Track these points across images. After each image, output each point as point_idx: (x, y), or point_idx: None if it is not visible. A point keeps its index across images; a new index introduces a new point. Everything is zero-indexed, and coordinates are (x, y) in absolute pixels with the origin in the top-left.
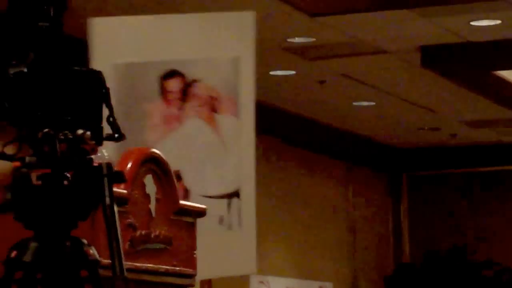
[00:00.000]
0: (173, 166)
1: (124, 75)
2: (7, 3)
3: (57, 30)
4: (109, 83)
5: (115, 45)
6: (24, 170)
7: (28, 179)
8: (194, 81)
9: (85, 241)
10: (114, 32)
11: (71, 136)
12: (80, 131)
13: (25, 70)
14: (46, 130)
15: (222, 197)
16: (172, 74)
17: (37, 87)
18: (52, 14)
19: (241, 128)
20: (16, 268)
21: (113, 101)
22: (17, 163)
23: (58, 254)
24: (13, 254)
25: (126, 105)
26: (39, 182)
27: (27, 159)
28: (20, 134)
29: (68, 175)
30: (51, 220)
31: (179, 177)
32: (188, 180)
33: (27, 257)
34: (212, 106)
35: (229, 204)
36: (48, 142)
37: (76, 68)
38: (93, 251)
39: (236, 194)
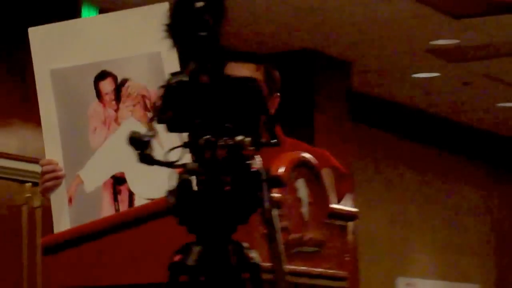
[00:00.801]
0: (116, 169)
1: (62, 80)
2: (169, 14)
3: (215, 39)
4: (48, 90)
5: (51, 51)
6: (186, 176)
7: (190, 185)
8: (125, 80)
9: (246, 244)
10: (49, 39)
11: (231, 143)
12: (239, 138)
13: (186, 79)
14: (207, 137)
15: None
16: (104, 75)
17: (197, 95)
18: (210, 24)
19: None
20: (180, 272)
21: (54, 108)
22: (180, 169)
23: (221, 258)
24: (177, 258)
25: (68, 111)
26: (201, 188)
27: (189, 165)
28: (184, 140)
29: (228, 180)
30: (212, 224)
31: (123, 181)
32: (132, 183)
33: (191, 261)
34: (145, 104)
35: None
36: (209, 148)
37: (233, 76)
38: (254, 254)
39: None
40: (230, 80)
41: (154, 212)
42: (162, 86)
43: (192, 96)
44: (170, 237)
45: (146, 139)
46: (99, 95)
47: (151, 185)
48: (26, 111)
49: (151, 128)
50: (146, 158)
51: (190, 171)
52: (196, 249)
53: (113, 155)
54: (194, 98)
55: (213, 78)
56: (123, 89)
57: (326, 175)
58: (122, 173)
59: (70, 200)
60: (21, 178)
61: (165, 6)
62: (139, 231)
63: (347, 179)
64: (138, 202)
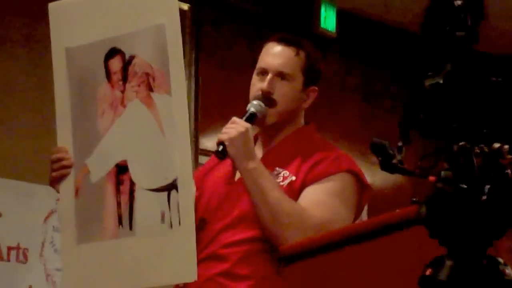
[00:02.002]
0: (120, 157)
1: (75, 59)
2: (424, 14)
3: (473, 40)
4: (63, 70)
5: (68, 29)
6: (439, 184)
7: (443, 195)
8: (132, 57)
9: (501, 260)
10: (67, 16)
11: (487, 150)
12: (496, 145)
13: (441, 81)
14: (462, 143)
15: (162, 189)
16: (113, 53)
17: (453, 99)
18: (468, 23)
19: (173, 107)
20: (431, 286)
21: (68, 90)
22: (433, 177)
23: (475, 273)
24: (428, 272)
25: (79, 91)
26: (455, 198)
27: (443, 173)
28: (436, 147)
29: (484, 190)
30: (467, 237)
31: (125, 169)
32: (133, 171)
33: (443, 275)
34: (148, 84)
35: (168, 198)
36: (464, 155)
37: (493, 79)
38: (509, 270)
39: (174, 185)
40: (488, 83)
41: (399, 222)
42: (415, 88)
43: (448, 99)
44: (417, 249)
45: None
46: (108, 75)
47: (150, 174)
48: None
49: (402, 136)
50: (390, 166)
51: (444, 179)
52: (449, 263)
53: (118, 141)
54: (449, 102)
55: (470, 81)
56: (130, 68)
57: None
58: (125, 161)
59: (76, 192)
60: None
61: None
62: (382, 242)
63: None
64: (139, 193)
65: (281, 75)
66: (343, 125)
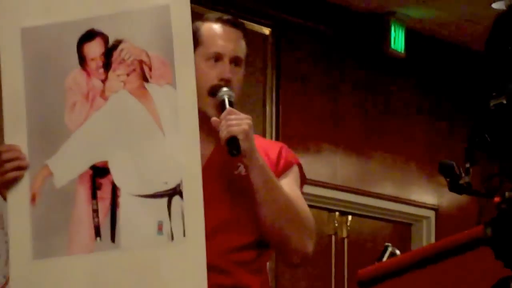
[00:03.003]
0: (98, 157)
1: (35, 42)
2: (488, 33)
3: None
4: (15, 53)
5: (25, 4)
6: (504, 205)
7: (508, 216)
8: (118, 42)
9: None
10: None
11: None
12: None
13: (505, 101)
14: None
15: (160, 195)
16: (91, 35)
17: None
18: None
19: (179, 99)
20: None
21: (22, 76)
22: (498, 198)
23: None
24: None
25: (38, 79)
26: None
27: (507, 194)
28: (502, 168)
29: None
30: None
31: (105, 172)
32: (117, 175)
33: None
34: (142, 73)
35: (169, 206)
36: None
37: None
38: None
39: (177, 191)
40: None
41: (466, 243)
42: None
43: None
44: (482, 270)
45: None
46: (82, 61)
47: (143, 178)
48: (337, 136)
49: (468, 158)
50: (458, 187)
51: (509, 200)
52: None
53: (95, 138)
54: None
55: None
56: (115, 53)
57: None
58: (105, 162)
59: (33, 198)
60: (330, 207)
61: None
62: (450, 264)
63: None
64: (124, 199)
65: (235, 60)
66: (411, 146)
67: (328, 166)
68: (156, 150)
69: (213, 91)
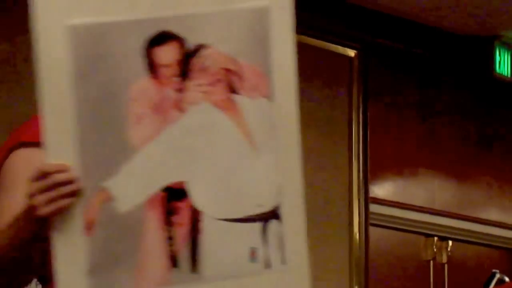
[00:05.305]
0: (173, 177)
1: (86, 42)
2: None
3: None
4: (61, 55)
5: None
6: None
7: None
8: (199, 47)
9: None
10: None
11: None
12: None
13: None
14: None
15: (252, 220)
16: (164, 38)
17: None
18: None
19: (277, 115)
20: None
21: (68, 81)
22: None
23: None
24: None
25: (92, 88)
26: None
27: None
28: None
29: None
30: None
31: (182, 194)
32: (199, 197)
33: None
34: (229, 84)
35: (264, 230)
36: None
37: None
38: None
39: (274, 214)
40: None
41: None
42: None
43: None
44: None
45: None
46: (151, 67)
47: (231, 200)
48: (433, 159)
49: None
50: None
51: None
52: None
53: (168, 156)
54: None
55: None
56: (195, 60)
57: None
58: (182, 183)
59: (88, 227)
60: (428, 232)
61: None
62: None
63: None
64: (208, 224)
65: None
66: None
67: (425, 190)
68: (248, 169)
69: None
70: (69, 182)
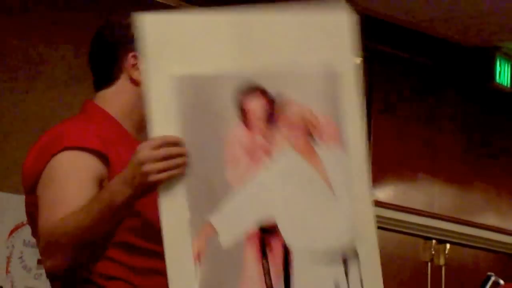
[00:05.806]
0: (265, 215)
1: (190, 92)
2: None
3: None
4: (171, 102)
5: (171, 50)
6: None
7: None
8: (281, 97)
9: None
10: (167, 32)
11: None
12: None
13: None
14: None
15: (335, 256)
16: (249, 89)
17: None
18: None
19: (349, 164)
20: None
21: (177, 126)
22: None
23: None
24: None
25: (198, 132)
26: None
27: None
28: None
29: None
30: None
31: (274, 230)
32: (288, 234)
33: None
34: (308, 132)
35: (345, 263)
36: None
37: None
38: None
39: (354, 253)
40: None
41: None
42: None
43: None
44: None
45: None
46: (242, 115)
47: (315, 238)
48: (433, 165)
49: None
50: None
51: None
52: None
53: (261, 196)
54: None
55: None
56: (278, 109)
57: None
58: (273, 221)
59: (198, 257)
60: (426, 235)
61: (349, 17)
62: None
63: None
64: (298, 259)
65: None
66: None
67: (424, 194)
68: (328, 211)
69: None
70: (179, 155)
